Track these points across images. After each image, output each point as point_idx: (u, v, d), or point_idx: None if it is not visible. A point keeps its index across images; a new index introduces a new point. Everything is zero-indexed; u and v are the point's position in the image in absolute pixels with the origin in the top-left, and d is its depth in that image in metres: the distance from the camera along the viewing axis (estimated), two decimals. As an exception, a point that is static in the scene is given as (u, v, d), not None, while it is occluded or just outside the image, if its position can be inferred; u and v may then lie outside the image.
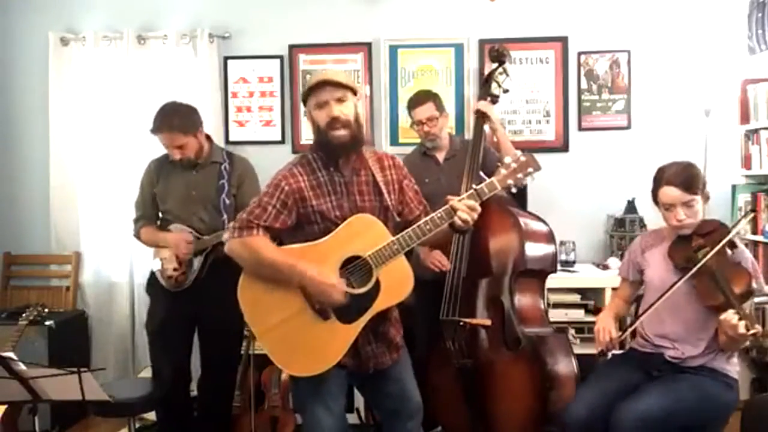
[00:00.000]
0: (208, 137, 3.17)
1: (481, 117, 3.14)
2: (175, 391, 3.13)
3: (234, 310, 3.17)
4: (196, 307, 3.05)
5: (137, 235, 3.20)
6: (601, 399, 2.40)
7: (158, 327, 3.12)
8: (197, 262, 3.02)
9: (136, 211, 3.21)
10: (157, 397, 2.97)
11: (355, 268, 2.16)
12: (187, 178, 3.08)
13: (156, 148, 3.30)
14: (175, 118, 2.98)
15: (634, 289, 2.70)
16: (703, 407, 2.36)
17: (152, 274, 3.16)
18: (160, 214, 3.17)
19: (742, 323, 2.17)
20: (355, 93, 2.22)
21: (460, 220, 2.10)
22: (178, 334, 3.13)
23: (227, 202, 3.02)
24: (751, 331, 2.16)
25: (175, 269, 3.01)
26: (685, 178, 2.39)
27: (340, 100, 2.17)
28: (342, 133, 2.17)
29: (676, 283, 2.36)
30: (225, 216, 2.98)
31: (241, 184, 3.09)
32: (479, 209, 2.13)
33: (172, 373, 3.12)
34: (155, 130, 2.99)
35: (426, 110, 3.26)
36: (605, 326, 2.48)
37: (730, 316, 2.20)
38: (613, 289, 3.44)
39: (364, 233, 2.16)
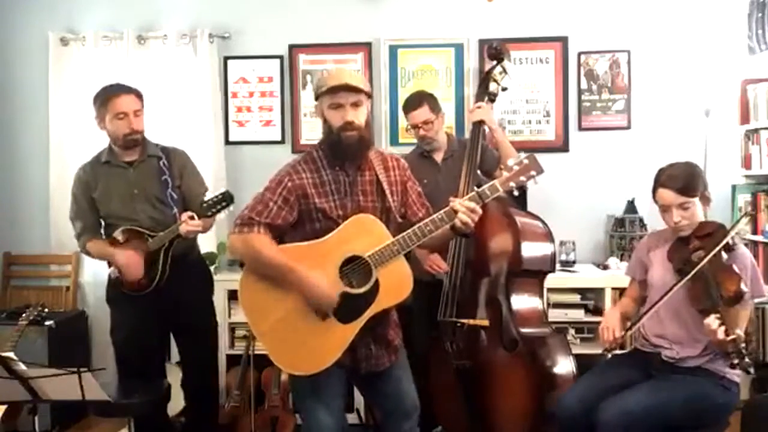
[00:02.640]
0: None
1: (478, 121, 3.14)
2: (149, 402, 2.97)
3: (204, 305, 3.06)
4: (165, 307, 2.93)
5: (84, 250, 3.03)
6: (593, 393, 2.41)
7: (128, 336, 2.97)
8: (159, 263, 2.87)
9: (75, 225, 3.01)
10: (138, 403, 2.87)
11: (354, 268, 2.17)
12: (127, 177, 2.95)
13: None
14: (129, 86, 2.95)
15: (643, 288, 2.68)
16: (694, 407, 2.36)
17: (111, 280, 2.98)
18: (102, 221, 3.00)
19: (722, 328, 2.17)
20: (369, 96, 2.24)
21: (460, 222, 2.11)
22: (150, 339, 3.02)
23: (174, 196, 2.93)
24: (730, 337, 2.15)
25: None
26: (682, 180, 2.39)
27: (355, 105, 2.18)
28: (354, 135, 2.18)
29: (674, 286, 2.35)
30: (175, 210, 2.89)
31: (182, 176, 3.01)
32: (480, 211, 2.13)
33: (144, 381, 2.98)
34: (115, 95, 2.86)
35: (421, 114, 3.20)
36: (609, 325, 2.48)
37: (711, 320, 2.20)
38: (613, 289, 3.47)
39: (364, 234, 2.17)
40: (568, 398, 2.47)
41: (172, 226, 2.83)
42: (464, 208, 2.11)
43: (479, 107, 3.15)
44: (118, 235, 2.91)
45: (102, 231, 3.01)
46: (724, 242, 2.33)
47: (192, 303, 3.02)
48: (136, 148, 2.96)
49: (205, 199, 2.77)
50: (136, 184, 2.94)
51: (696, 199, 2.40)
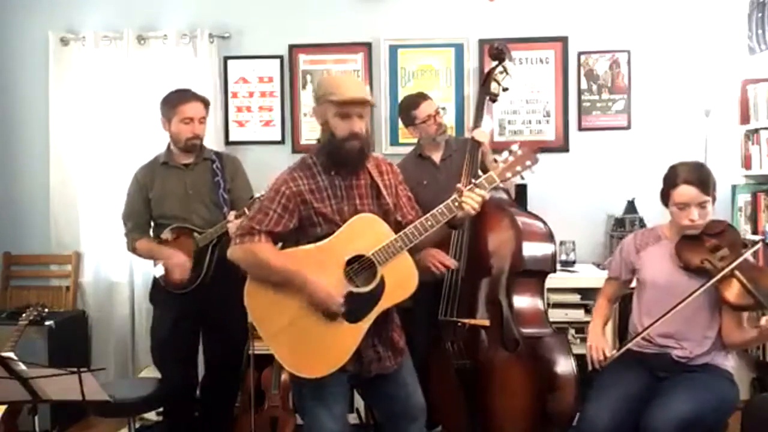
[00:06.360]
0: None
1: (477, 143, 3.12)
2: (183, 394, 3.15)
3: (240, 307, 3.18)
4: (204, 306, 3.04)
5: (132, 249, 3.14)
6: (621, 406, 2.37)
7: (168, 333, 3.08)
8: (206, 260, 3.00)
9: (126, 223, 3.15)
10: (165, 396, 2.99)
11: (359, 267, 2.18)
12: (183, 178, 3.09)
13: (155, 147, 3.30)
14: (198, 94, 3.12)
15: (623, 288, 2.71)
16: (722, 406, 2.37)
17: (155, 280, 3.13)
18: (153, 222, 3.13)
19: None
20: (371, 106, 2.26)
21: (466, 204, 2.13)
22: (187, 336, 3.13)
23: (225, 197, 3.06)
24: None
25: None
26: (701, 178, 2.38)
27: (361, 116, 2.21)
28: (356, 144, 2.20)
29: (702, 286, 2.32)
30: (226, 209, 3.02)
31: (234, 179, 3.16)
32: (485, 197, 2.16)
33: (182, 376, 3.12)
34: (185, 101, 3.03)
35: (431, 103, 3.31)
36: (597, 344, 2.48)
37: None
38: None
39: (366, 232, 2.18)
40: (598, 416, 2.36)
41: (222, 222, 2.94)
42: (469, 193, 2.14)
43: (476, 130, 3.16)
44: (166, 234, 3.05)
45: (151, 232, 3.14)
46: (760, 243, 2.35)
47: (231, 302, 3.03)
48: (193, 152, 3.10)
49: (257, 195, 2.85)
50: (191, 185, 3.08)
51: (711, 198, 2.40)
